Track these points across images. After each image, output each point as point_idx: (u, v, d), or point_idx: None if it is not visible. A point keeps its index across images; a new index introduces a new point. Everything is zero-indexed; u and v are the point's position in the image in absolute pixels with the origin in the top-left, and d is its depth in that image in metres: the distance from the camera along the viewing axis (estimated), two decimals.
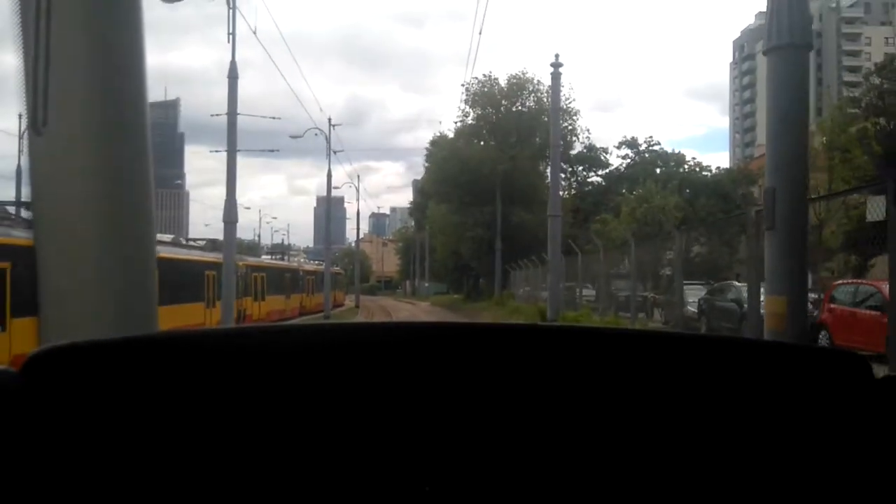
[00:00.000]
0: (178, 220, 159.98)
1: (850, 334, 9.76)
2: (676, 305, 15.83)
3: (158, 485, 0.74)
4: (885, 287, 11.24)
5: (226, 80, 16.63)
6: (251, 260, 28.90)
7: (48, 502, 0.71)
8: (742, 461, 0.76)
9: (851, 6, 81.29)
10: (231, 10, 15.65)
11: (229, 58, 16.37)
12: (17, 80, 1.72)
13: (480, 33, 30.55)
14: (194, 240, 25.66)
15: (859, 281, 12.76)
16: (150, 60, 1.94)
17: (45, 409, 0.72)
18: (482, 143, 40.34)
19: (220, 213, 17.57)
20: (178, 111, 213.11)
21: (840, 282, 11.63)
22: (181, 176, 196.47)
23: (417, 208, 59.44)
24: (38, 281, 1.76)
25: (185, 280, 18.22)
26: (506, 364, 0.79)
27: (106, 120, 1.79)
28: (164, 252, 17.64)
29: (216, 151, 25.07)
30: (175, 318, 16.32)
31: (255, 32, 17.28)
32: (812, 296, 10.36)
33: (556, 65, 18.68)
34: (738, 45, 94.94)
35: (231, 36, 15.45)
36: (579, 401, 0.78)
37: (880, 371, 0.80)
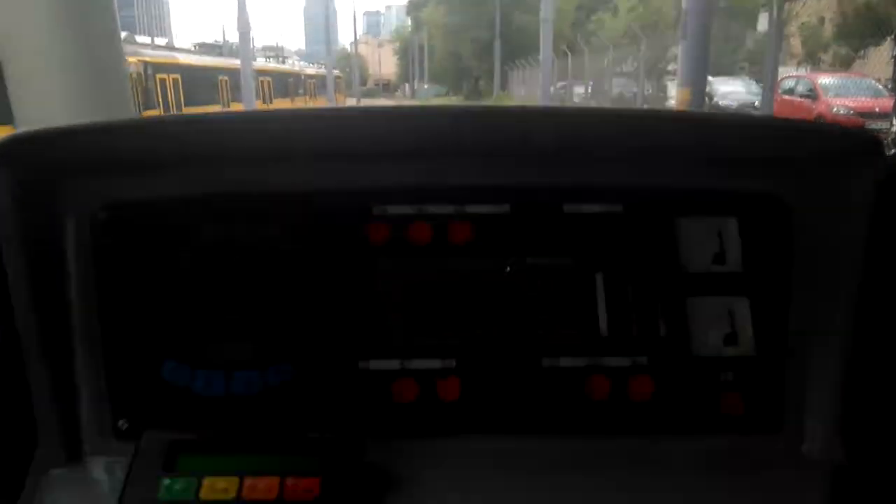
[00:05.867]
0: (159, 21, 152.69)
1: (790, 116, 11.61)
2: (660, 99, 17.64)
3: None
4: (818, 78, 12.97)
5: None
6: (256, 65, 29.46)
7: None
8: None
9: None
10: None
11: None
12: None
13: None
14: (196, 45, 26.25)
15: (798, 75, 14.39)
16: None
17: (13, 197, 0.68)
18: None
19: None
20: None
21: (786, 76, 13.23)
22: None
23: (415, 7, 57.60)
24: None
25: (204, 85, 19.65)
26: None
27: None
28: (183, 59, 18.96)
29: None
30: None
31: None
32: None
33: None
34: None
35: None
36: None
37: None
